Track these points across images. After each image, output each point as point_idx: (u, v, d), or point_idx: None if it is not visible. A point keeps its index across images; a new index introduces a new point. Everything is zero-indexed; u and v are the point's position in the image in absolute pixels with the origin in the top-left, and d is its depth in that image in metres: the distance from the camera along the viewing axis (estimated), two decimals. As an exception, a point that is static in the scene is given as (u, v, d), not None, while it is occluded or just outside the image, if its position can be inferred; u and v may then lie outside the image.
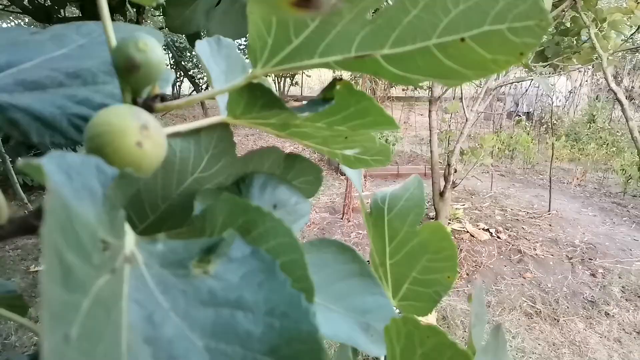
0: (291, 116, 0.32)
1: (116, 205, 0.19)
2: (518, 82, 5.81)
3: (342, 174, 4.88)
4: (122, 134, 0.22)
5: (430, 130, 4.06)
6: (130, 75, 0.26)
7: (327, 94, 0.32)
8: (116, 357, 0.18)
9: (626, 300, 3.07)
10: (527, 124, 7.78)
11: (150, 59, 0.26)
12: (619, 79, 9.61)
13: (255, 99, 0.30)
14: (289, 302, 0.21)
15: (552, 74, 4.41)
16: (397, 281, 0.41)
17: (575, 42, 4.09)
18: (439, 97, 3.94)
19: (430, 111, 4.00)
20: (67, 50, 0.34)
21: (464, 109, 3.74)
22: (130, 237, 0.21)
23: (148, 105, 0.27)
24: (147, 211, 0.32)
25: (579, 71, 10.19)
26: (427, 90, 6.67)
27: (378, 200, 0.44)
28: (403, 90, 13.68)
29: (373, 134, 0.40)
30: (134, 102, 0.27)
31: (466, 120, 3.71)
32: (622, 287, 3.20)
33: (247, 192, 0.34)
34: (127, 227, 0.22)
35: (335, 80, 0.33)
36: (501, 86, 4.26)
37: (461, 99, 3.77)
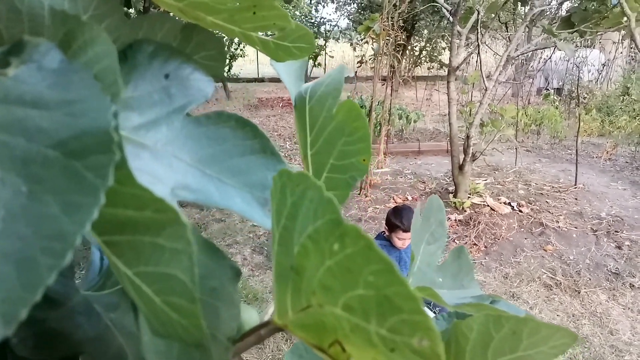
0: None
1: None
2: (541, 49, 5.58)
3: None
4: None
5: (448, 102, 3.97)
6: None
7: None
8: None
9: (653, 272, 2.95)
10: (555, 97, 7.50)
11: None
12: (657, 49, 9.13)
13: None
14: (92, 102, 0.20)
15: (578, 41, 4.21)
16: (317, 171, 0.39)
17: (605, 5, 3.88)
18: (458, 66, 3.84)
19: (448, 82, 3.90)
20: None
21: (483, 78, 3.62)
22: None
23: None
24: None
25: (613, 42, 9.73)
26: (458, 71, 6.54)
27: (302, 91, 0.41)
28: (428, 69, 13.41)
29: (285, 11, 0.38)
30: None
31: (485, 90, 3.60)
32: (650, 259, 3.08)
33: (133, 58, 0.32)
34: None
35: None
36: (523, 54, 4.11)
37: (480, 68, 3.65)
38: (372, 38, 4.68)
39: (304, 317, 0.26)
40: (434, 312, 2.05)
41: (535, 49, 4.09)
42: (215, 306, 0.29)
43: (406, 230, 2.17)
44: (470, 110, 4.57)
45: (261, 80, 14.64)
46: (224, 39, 10.85)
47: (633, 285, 2.81)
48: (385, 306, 0.20)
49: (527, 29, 6.01)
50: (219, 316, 0.29)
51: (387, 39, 4.89)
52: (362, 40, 8.34)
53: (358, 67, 4.20)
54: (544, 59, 8.36)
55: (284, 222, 0.27)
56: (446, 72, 4.01)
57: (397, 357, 0.20)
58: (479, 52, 3.58)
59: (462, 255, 0.58)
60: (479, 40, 3.48)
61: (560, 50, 3.98)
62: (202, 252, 0.30)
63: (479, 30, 3.44)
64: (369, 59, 4.99)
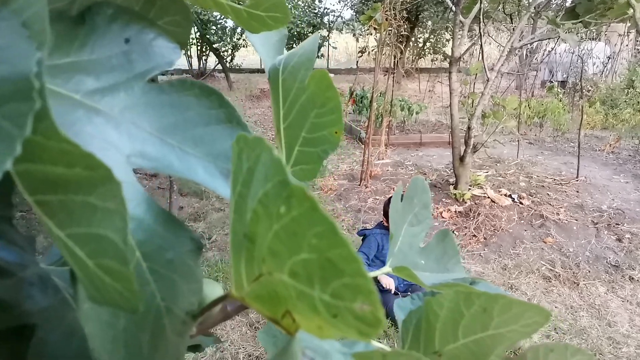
0: None
1: None
2: (546, 42, 5.52)
3: (362, 142, 4.81)
4: None
5: (450, 92, 3.94)
6: None
7: None
8: None
9: (653, 265, 2.93)
10: (559, 90, 7.44)
11: None
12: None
13: None
14: (16, 48, 0.18)
15: (583, 33, 4.16)
16: (289, 145, 0.38)
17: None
18: (460, 57, 3.80)
19: (450, 72, 3.87)
20: None
21: (485, 69, 3.59)
22: None
23: None
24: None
25: (619, 35, 9.64)
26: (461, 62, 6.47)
27: (275, 63, 0.40)
28: (432, 61, 13.33)
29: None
30: None
31: (487, 81, 3.56)
32: (650, 252, 3.06)
33: (91, 21, 0.31)
34: None
35: None
36: (526, 45, 4.07)
37: (483, 58, 3.61)
38: (375, 28, 4.64)
39: (257, 287, 0.25)
40: None
41: (539, 40, 4.05)
42: (171, 279, 0.28)
43: None
44: (473, 101, 4.54)
45: (264, 71, 14.51)
46: (221, 23, 10.75)
47: (632, 278, 2.80)
48: (328, 270, 0.18)
49: (531, 21, 5.95)
50: (176, 289, 0.28)
51: (389, 30, 4.84)
52: (365, 31, 8.26)
53: (359, 57, 4.16)
54: (548, 51, 8.29)
55: (239, 189, 0.25)
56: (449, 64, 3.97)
57: (339, 324, 0.19)
58: (481, 43, 3.54)
59: (446, 239, 0.57)
60: (481, 30, 3.44)
61: (564, 41, 3.93)
62: (158, 222, 0.29)
63: (482, 20, 3.41)
64: (372, 50, 4.95)
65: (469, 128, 3.75)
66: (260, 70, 14.58)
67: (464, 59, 3.95)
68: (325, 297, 0.19)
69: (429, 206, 0.56)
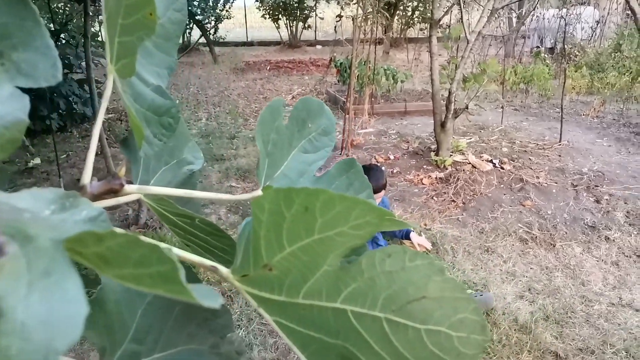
0: None
1: None
2: (533, 6, 5.41)
3: (344, 111, 4.72)
4: None
5: (430, 57, 3.85)
6: None
7: None
8: None
9: (629, 224, 2.93)
10: (546, 56, 7.35)
11: None
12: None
13: None
14: None
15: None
16: (111, 37, 0.32)
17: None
18: (440, 19, 3.70)
19: (430, 36, 3.78)
20: None
21: (465, 31, 3.50)
22: None
23: None
24: None
25: (609, -1, 9.49)
26: (446, 30, 6.30)
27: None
28: (421, 30, 13.09)
29: None
30: None
31: (467, 43, 3.48)
32: (627, 212, 3.05)
33: None
34: None
35: None
36: (508, 6, 3.97)
37: (462, 20, 3.51)
38: (355, -7, 4.50)
39: None
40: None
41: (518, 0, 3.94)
42: None
43: (375, 191, 2.16)
44: (456, 66, 4.45)
45: (250, 44, 14.28)
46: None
47: (608, 238, 2.80)
48: None
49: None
50: None
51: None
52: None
53: (337, 22, 4.05)
54: (537, 16, 8.15)
55: None
56: (438, 34, 3.86)
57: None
58: (460, 4, 3.44)
59: (352, 170, 0.52)
60: (460, -10, 3.34)
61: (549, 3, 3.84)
62: None
63: (460, -21, 3.30)
64: (357, 18, 4.82)
65: (449, 93, 3.68)
66: (246, 44, 14.29)
67: (445, 24, 3.84)
68: None
69: (330, 133, 0.51)
